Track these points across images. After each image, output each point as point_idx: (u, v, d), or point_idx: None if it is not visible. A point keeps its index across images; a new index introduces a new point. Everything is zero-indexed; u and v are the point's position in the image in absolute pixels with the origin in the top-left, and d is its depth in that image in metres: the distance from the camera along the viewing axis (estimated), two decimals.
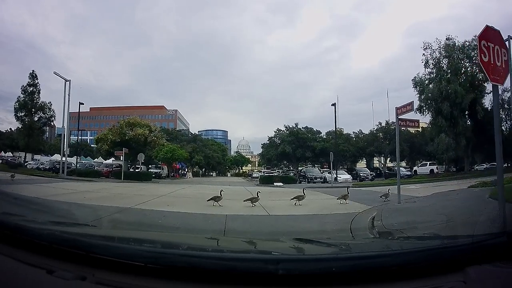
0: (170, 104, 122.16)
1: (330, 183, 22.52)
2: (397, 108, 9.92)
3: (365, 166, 49.15)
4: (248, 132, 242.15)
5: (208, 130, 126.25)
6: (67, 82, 26.27)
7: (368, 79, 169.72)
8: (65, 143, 26.55)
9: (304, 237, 2.23)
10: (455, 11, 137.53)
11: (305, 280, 0.97)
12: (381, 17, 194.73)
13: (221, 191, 8.22)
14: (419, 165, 38.68)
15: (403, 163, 50.07)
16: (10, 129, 51.67)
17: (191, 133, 71.24)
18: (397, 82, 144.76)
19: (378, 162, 57.38)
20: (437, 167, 35.68)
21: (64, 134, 27.20)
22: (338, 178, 27.07)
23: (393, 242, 2.35)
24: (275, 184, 22.53)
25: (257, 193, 8.60)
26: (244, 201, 8.35)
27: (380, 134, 47.94)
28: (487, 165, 36.49)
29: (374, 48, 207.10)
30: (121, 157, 25.01)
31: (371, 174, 30.78)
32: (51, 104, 32.55)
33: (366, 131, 51.00)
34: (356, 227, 5.82)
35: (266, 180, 24.08)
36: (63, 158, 26.11)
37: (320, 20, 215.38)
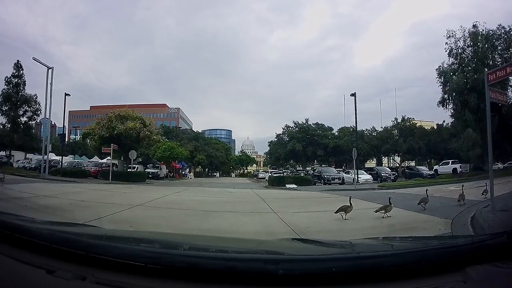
0: (173, 104, 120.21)
1: (354, 184, 19.11)
2: (487, 73, 6.61)
3: (375, 165, 45.78)
4: (252, 132, 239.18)
5: (211, 129, 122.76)
6: (50, 70, 23.17)
7: (370, 79, 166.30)
8: (48, 138, 23.46)
9: None
10: (458, 10, 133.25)
11: (305, 280, 0.95)
12: (383, 15, 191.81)
13: (350, 198, 6.13)
14: (441, 164, 35.20)
15: (412, 163, 46.96)
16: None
17: (194, 131, 67.92)
18: (399, 81, 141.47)
19: (388, 161, 54.11)
20: (460, 166, 32.30)
21: (48, 129, 24.08)
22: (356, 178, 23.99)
23: (393, 242, 1.98)
24: (288, 186, 19.13)
25: (350, 198, 6.17)
26: (335, 212, 5.86)
27: (395, 131, 44.74)
28: (500, 164, 33.28)
29: (376, 47, 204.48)
30: (111, 154, 21.74)
31: (393, 174, 27.31)
32: (36, 97, 29.45)
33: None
34: None
35: (277, 182, 20.59)
36: (45, 156, 23.15)
37: (322, 19, 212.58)
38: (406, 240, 2.12)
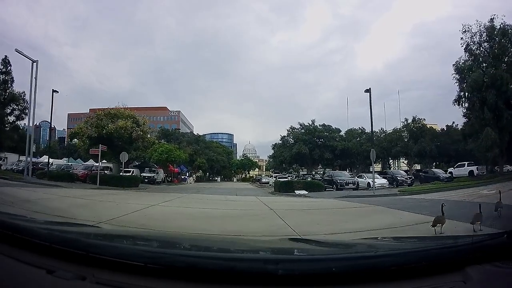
0: (174, 106, 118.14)
1: (372, 190, 16.85)
2: None
3: (381, 169, 43.51)
4: (253, 136, 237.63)
5: (213, 133, 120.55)
6: (34, 63, 21.17)
7: (371, 81, 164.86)
8: (32, 139, 21.34)
9: None
10: (459, 11, 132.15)
11: (305, 280, 0.94)
12: (384, 17, 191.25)
13: (442, 206, 4.75)
14: (456, 166, 33.35)
15: (418, 166, 44.82)
16: None
17: (194, 134, 65.68)
18: (399, 83, 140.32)
19: (395, 164, 51.83)
20: (477, 168, 30.34)
21: (31, 127, 21.98)
22: (371, 182, 21.76)
23: (393, 242, 1.99)
24: (297, 192, 16.87)
25: (442, 206, 4.76)
26: (432, 226, 4.49)
27: (405, 132, 42.61)
28: (509, 166, 31.37)
29: (377, 49, 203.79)
30: (99, 156, 19.51)
31: (409, 178, 25.08)
32: (24, 95, 27.48)
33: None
34: None
35: (284, 187, 18.26)
36: (28, 158, 21.07)
37: (323, 20, 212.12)
38: (406, 240, 2.02)
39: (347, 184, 20.08)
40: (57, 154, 52.21)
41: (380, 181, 22.43)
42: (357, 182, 21.07)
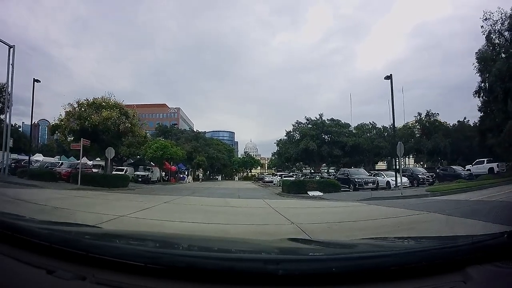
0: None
1: (399, 189, 14.40)
2: None
3: (386, 167, 41.20)
4: (255, 135, 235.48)
5: (214, 131, 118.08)
6: (11, 49, 18.86)
7: (372, 82, 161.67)
8: (8, 135, 18.98)
9: None
10: (459, 11, 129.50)
11: (305, 280, 0.94)
12: (385, 18, 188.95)
13: None
14: (474, 163, 31.18)
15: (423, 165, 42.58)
16: None
17: (193, 131, 63.18)
18: (401, 83, 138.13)
19: (403, 162, 49.39)
20: (497, 165, 28.10)
21: (8, 120, 19.66)
22: (391, 181, 19.37)
23: (393, 242, 1.95)
24: (311, 193, 14.36)
25: None
26: None
27: (416, 128, 40.24)
28: None
29: (378, 49, 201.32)
30: (80, 152, 17.08)
31: (431, 175, 22.74)
32: (6, 86, 25.09)
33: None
34: None
35: (295, 188, 15.66)
36: (5, 154, 18.87)
37: (324, 21, 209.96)
38: (406, 240, 2.01)
39: (367, 183, 17.53)
40: (53, 152, 50.21)
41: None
42: (377, 182, 18.56)
